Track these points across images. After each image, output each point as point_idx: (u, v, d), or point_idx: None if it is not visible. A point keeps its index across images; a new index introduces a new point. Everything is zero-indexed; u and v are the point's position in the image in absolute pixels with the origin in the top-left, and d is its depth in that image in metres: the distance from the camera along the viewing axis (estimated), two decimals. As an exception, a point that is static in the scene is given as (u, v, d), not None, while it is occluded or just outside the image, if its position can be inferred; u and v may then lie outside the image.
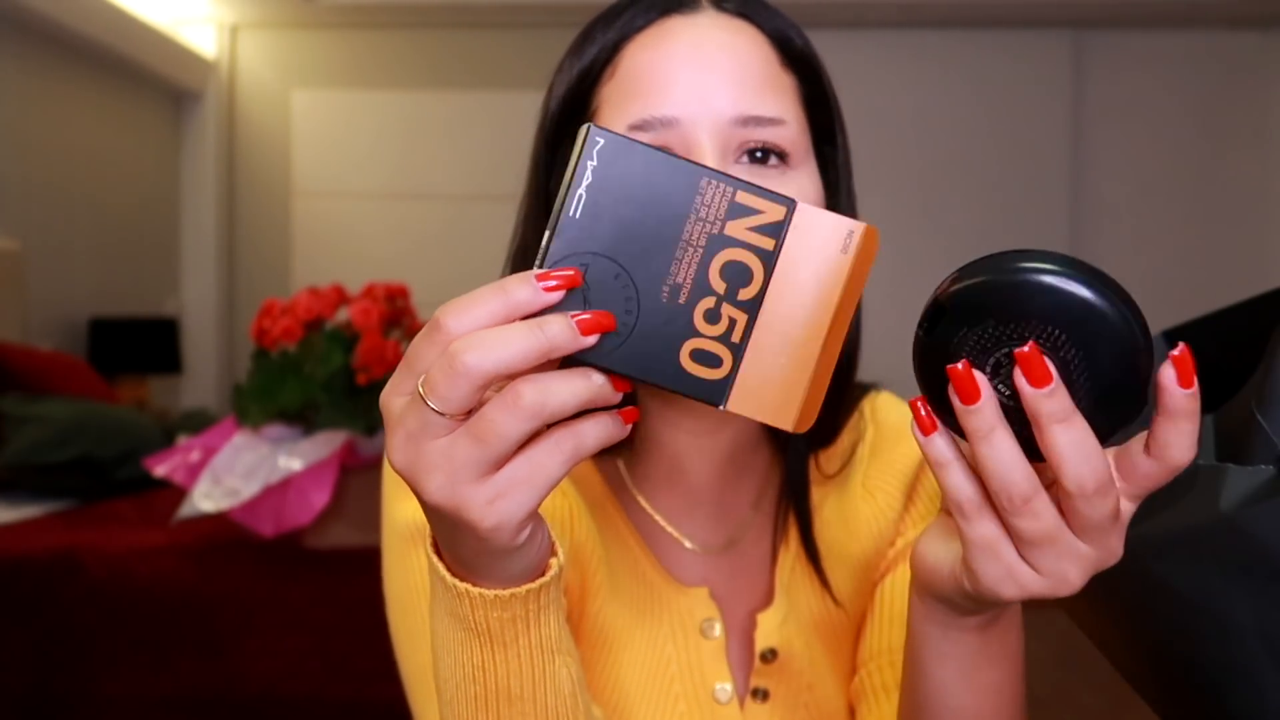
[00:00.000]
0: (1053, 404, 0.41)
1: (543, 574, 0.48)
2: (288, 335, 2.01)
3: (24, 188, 3.70)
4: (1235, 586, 0.51)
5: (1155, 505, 0.54)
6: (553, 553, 0.49)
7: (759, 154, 0.63)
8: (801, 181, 0.64)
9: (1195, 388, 0.41)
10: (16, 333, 3.43)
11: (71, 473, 2.69)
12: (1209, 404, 0.68)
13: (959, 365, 0.42)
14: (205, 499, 1.99)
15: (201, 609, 2.04)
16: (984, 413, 0.42)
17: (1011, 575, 0.44)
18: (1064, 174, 4.60)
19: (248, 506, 1.98)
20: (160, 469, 2.12)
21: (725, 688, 0.68)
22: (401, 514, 0.66)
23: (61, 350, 3.66)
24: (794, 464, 0.72)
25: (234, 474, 2.00)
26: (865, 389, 0.78)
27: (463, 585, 0.47)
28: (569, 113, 0.67)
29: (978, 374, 0.42)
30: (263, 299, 2.15)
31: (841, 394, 0.74)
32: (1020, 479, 0.42)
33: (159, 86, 4.54)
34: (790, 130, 0.63)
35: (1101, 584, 0.58)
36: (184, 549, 2.12)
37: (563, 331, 0.40)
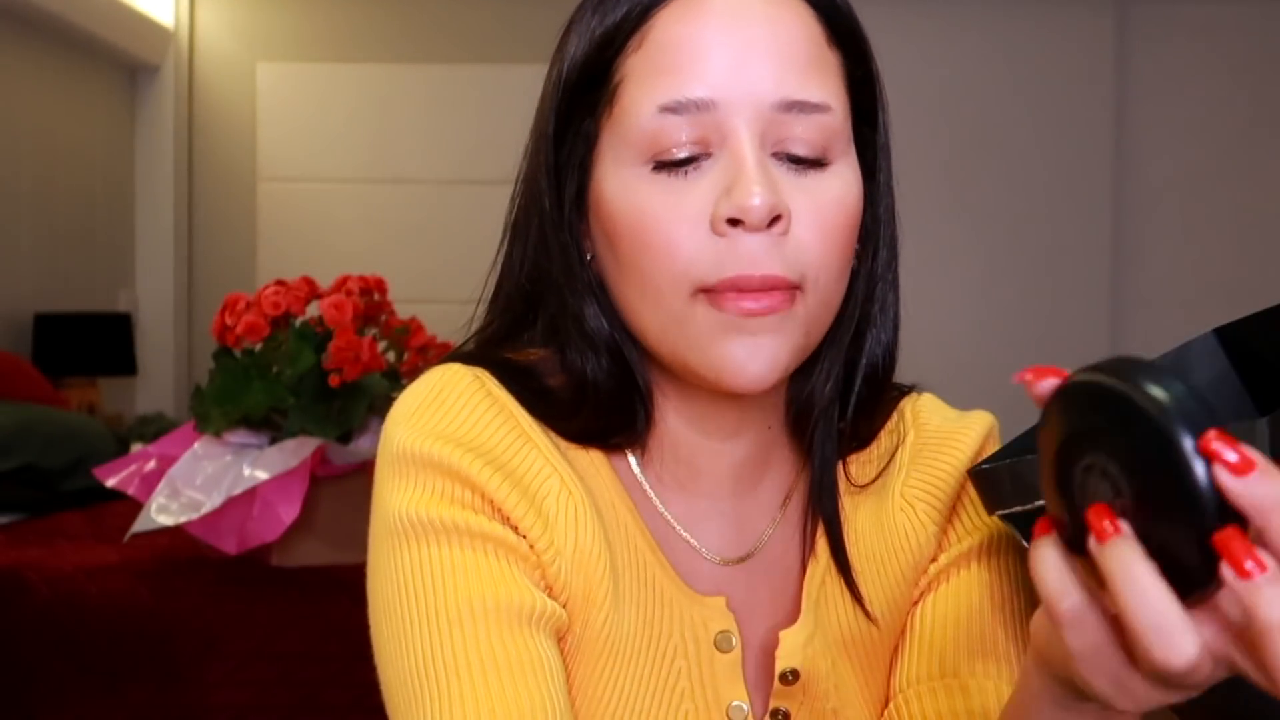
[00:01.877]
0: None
1: None
2: (252, 333, 2.01)
3: (-38, 170, 3.71)
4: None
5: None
6: None
7: (797, 159, 0.63)
8: (843, 172, 0.65)
9: (1256, 472, 0.39)
10: (-46, 330, 3.43)
11: (14, 484, 2.70)
12: (1266, 406, 0.68)
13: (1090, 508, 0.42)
14: (162, 512, 1.99)
15: (158, 633, 2.04)
16: (1118, 549, 0.41)
17: (1123, 688, 0.44)
18: (1107, 156, 4.60)
19: (209, 521, 1.98)
20: (112, 480, 2.12)
21: (741, 706, 0.68)
22: (394, 505, 0.65)
23: (4, 349, 3.66)
24: (819, 469, 0.72)
25: (194, 485, 2.00)
26: (904, 390, 0.78)
27: None
28: (587, 81, 0.67)
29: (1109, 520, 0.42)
30: (225, 293, 2.15)
31: (879, 394, 0.74)
32: (1159, 621, 0.41)
33: (111, 58, 4.54)
34: (834, 118, 0.64)
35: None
36: (138, 567, 2.12)
37: None
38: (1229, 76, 4.60)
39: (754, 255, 0.61)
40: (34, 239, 4.10)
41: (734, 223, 0.61)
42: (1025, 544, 0.66)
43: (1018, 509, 0.64)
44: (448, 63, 4.72)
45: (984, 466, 0.66)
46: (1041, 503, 0.62)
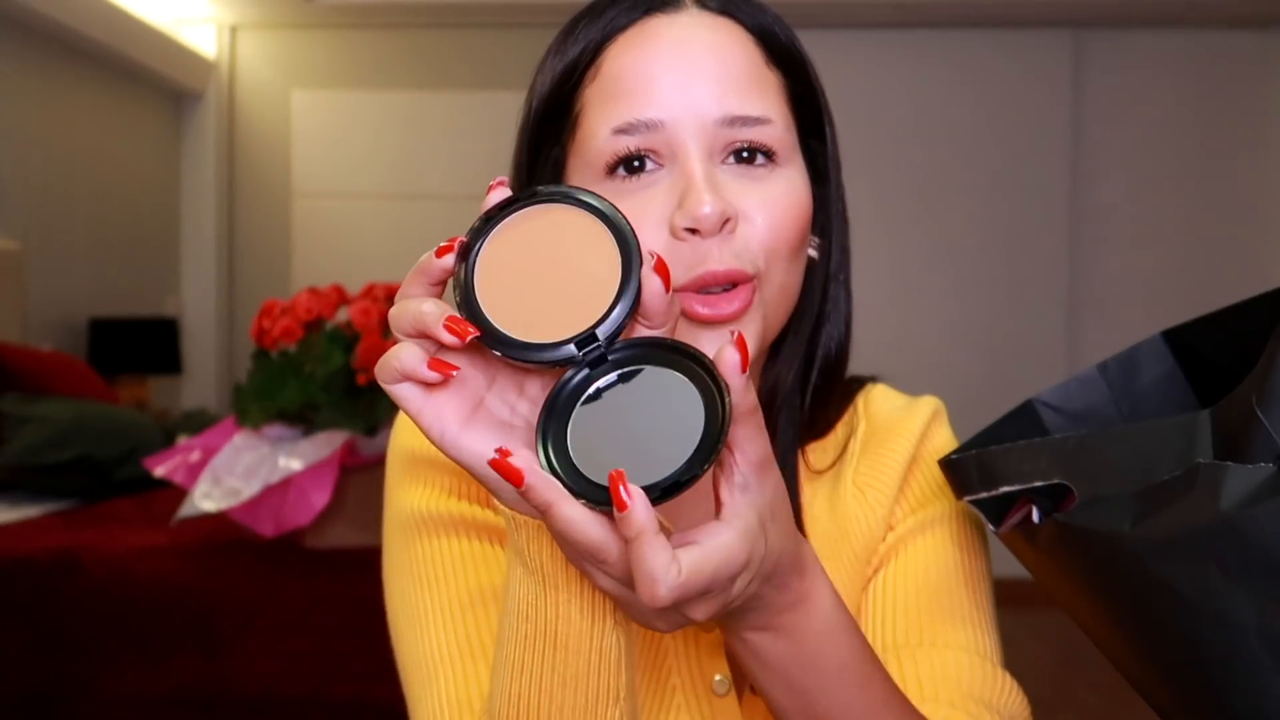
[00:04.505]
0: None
1: None
2: (288, 335, 2.01)
3: (24, 188, 3.70)
4: (1236, 586, 0.51)
5: (1156, 504, 0.54)
6: None
7: (745, 154, 0.63)
8: (789, 175, 0.64)
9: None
10: (16, 333, 3.43)
11: (71, 473, 2.69)
12: (1207, 404, 0.68)
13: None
14: (205, 499, 1.99)
15: (201, 609, 2.04)
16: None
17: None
18: (1064, 173, 4.60)
19: (248, 506, 1.98)
20: (160, 469, 2.12)
21: (723, 680, 0.68)
22: (405, 502, 0.66)
23: (61, 350, 3.66)
24: (781, 455, 0.71)
25: (234, 474, 2.00)
26: (861, 382, 0.78)
27: (521, 515, 0.49)
28: (551, 112, 0.67)
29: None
30: (263, 299, 2.15)
31: (834, 384, 0.73)
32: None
33: (159, 86, 4.54)
34: (776, 129, 0.63)
35: (1101, 583, 0.58)
36: (184, 549, 2.12)
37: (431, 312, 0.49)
38: (1176, 100, 4.59)
39: (713, 255, 0.61)
40: (89, 250, 4.10)
41: (692, 230, 0.61)
42: (992, 528, 0.66)
43: (983, 495, 0.64)
44: (464, 90, 4.72)
45: (953, 457, 0.66)
46: (1006, 489, 0.62)
